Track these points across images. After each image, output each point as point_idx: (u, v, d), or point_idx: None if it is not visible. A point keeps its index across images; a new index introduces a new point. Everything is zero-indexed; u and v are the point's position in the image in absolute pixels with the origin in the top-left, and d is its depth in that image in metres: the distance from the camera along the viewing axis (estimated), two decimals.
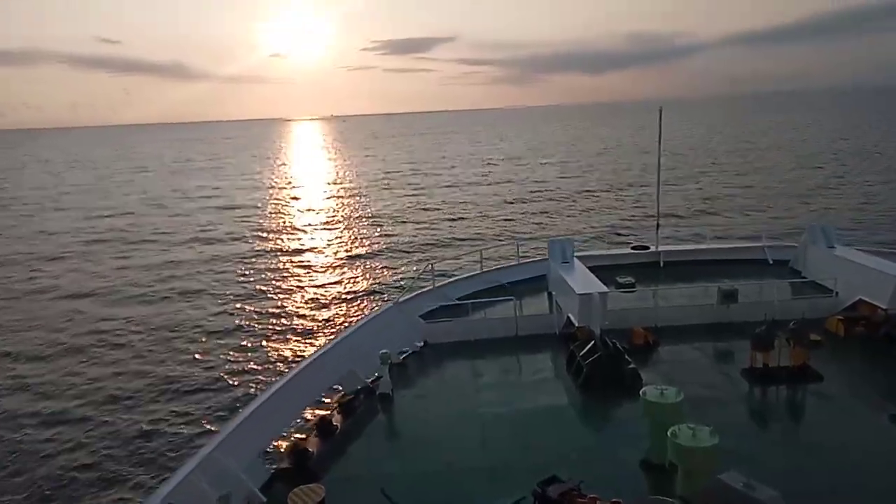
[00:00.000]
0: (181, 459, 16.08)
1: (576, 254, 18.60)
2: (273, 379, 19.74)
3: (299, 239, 49.87)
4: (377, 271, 38.78)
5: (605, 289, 15.46)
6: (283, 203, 70.72)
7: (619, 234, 42.58)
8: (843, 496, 9.65)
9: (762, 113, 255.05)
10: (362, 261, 41.74)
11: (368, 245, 46.26)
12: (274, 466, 11.24)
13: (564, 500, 8.86)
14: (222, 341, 27.65)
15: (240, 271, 39.93)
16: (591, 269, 17.29)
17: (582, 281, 16.11)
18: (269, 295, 34.37)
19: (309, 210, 65.13)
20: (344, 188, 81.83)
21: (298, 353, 25.58)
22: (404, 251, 43.57)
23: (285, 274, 39.09)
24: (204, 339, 27.98)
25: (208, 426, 19.87)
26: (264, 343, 27.09)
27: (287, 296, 34.24)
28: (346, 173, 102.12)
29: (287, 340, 27.45)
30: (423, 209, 60.40)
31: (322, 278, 38.00)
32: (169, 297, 34.86)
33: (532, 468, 9.98)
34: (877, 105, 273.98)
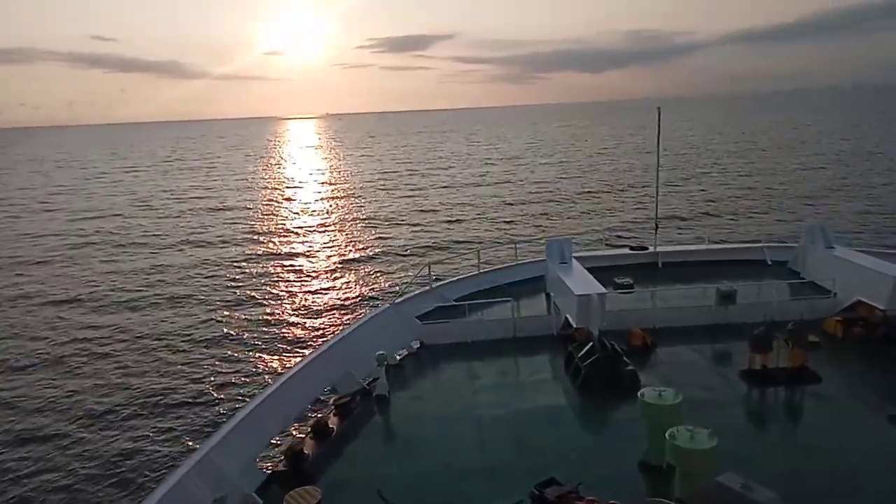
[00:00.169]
0: (177, 462, 16.02)
1: (574, 254, 18.56)
2: (269, 381, 19.61)
3: (293, 241, 49.42)
4: (373, 273, 38.52)
5: (603, 290, 15.43)
6: (277, 204, 70.14)
7: (619, 237, 42.46)
8: (842, 498, 9.63)
9: (762, 112, 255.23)
10: (358, 262, 41.47)
11: (364, 246, 45.99)
12: (270, 469, 11.19)
13: (562, 502, 8.82)
14: (214, 346, 27.22)
15: (231, 274, 39.36)
16: (590, 269, 17.25)
17: (580, 282, 16.07)
18: (264, 297, 34.04)
19: (303, 211, 64.63)
20: (338, 188, 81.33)
21: (294, 355, 25.38)
22: (401, 252, 43.35)
23: (280, 276, 38.73)
24: (194, 345, 27.46)
25: (197, 441, 19.06)
26: (259, 346, 26.80)
27: (282, 298, 33.96)
28: (341, 173, 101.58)
29: (283, 342, 27.24)
30: (420, 210, 60.16)
31: (318, 280, 37.81)
32: (157, 303, 33.66)
33: (530, 470, 9.95)
34: (877, 104, 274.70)
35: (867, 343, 15.10)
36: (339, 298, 33.78)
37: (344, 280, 37.40)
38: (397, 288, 31.23)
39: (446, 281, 20.29)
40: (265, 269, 40.56)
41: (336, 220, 57.79)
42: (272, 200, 73.18)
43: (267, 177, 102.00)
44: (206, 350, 26.89)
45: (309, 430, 12.27)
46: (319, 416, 12.99)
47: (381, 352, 13.74)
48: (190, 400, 22.27)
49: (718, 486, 8.24)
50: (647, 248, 22.31)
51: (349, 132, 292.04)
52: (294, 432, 14.83)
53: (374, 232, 50.88)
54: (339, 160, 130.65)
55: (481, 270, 20.77)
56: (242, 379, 23.74)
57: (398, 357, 15.39)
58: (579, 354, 14.03)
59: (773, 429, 12.11)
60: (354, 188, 79.82)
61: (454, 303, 18.16)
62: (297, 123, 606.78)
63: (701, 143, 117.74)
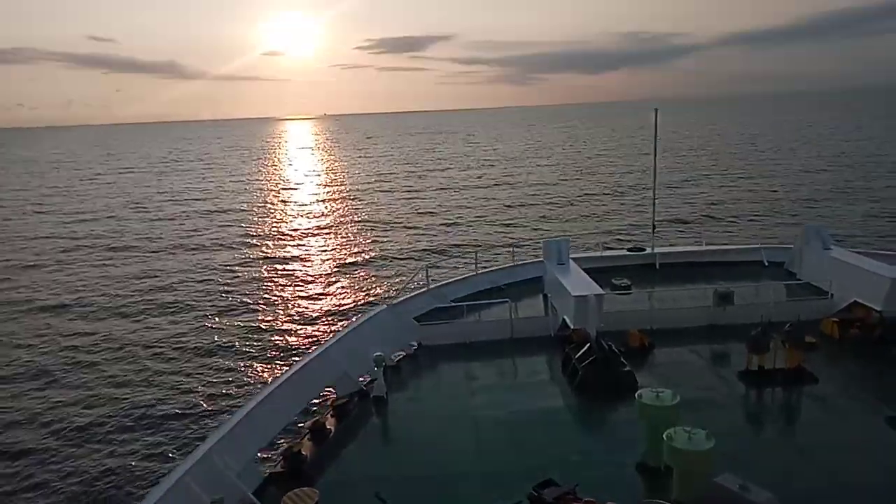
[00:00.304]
0: (175, 463, 15.95)
1: (571, 255, 18.56)
2: (266, 383, 19.54)
3: (289, 243, 49.10)
4: (370, 274, 38.44)
5: (600, 291, 15.41)
6: (273, 206, 69.79)
7: (618, 241, 42.40)
8: (839, 498, 9.64)
9: (762, 113, 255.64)
10: (355, 263, 41.38)
11: (361, 248, 45.92)
12: (268, 470, 11.18)
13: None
14: (209, 348, 27.06)
15: (226, 277, 39.05)
16: (587, 270, 17.24)
17: (577, 283, 16.06)
18: (260, 300, 33.87)
19: (299, 213, 64.28)
20: (335, 190, 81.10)
21: (291, 356, 25.31)
22: (398, 254, 43.28)
23: (276, 278, 38.52)
24: (191, 348, 27.20)
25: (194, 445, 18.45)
26: (256, 349, 26.69)
27: (279, 300, 33.79)
28: (338, 174, 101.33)
29: (280, 344, 27.17)
30: (418, 212, 60.08)
31: (315, 281, 37.71)
32: (148, 308, 32.97)
33: (528, 471, 9.95)
34: (871, 107, 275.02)
35: (864, 344, 15.13)
36: (336, 300, 33.66)
37: (341, 281, 37.25)
38: (394, 286, 31.17)
39: (444, 282, 20.28)
40: (261, 271, 40.25)
41: (333, 222, 57.58)
42: (268, 202, 72.83)
43: (263, 178, 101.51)
44: (201, 353, 26.67)
45: (307, 431, 12.26)
46: (317, 417, 12.98)
47: (378, 353, 13.72)
48: (187, 403, 22.01)
49: (716, 487, 8.27)
50: (644, 250, 22.33)
51: (347, 133, 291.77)
52: (292, 434, 14.82)
53: (371, 234, 50.74)
54: (337, 161, 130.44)
55: (479, 271, 20.76)
56: (239, 382, 23.58)
57: (395, 358, 15.38)
58: (577, 355, 14.04)
59: (770, 429, 12.13)
60: (351, 190, 79.60)
61: (452, 304, 18.15)
62: (295, 124, 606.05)
63: (698, 145, 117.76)
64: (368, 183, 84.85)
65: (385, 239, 48.44)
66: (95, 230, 56.83)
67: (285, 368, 23.37)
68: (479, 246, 41.39)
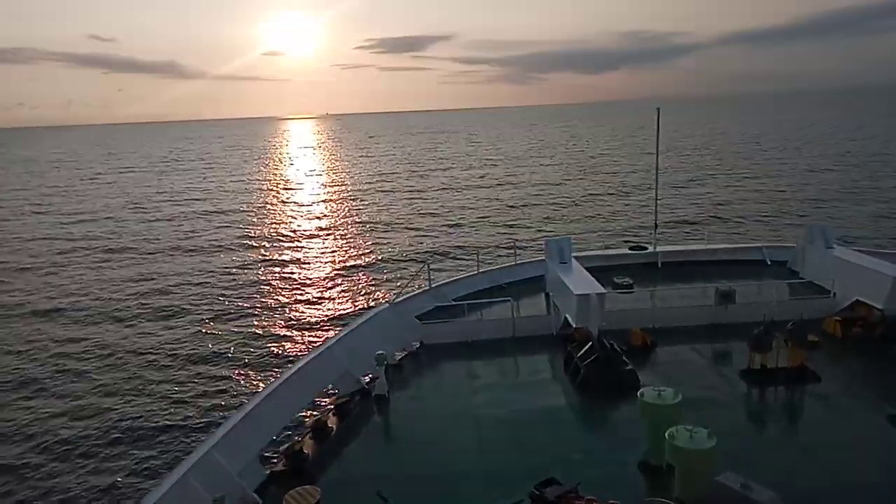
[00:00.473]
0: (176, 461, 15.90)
1: (573, 254, 18.56)
2: (268, 382, 19.50)
3: (290, 243, 48.93)
4: (372, 273, 38.41)
5: (602, 289, 15.41)
6: (274, 206, 69.59)
7: (621, 240, 42.29)
8: (841, 497, 9.63)
9: (763, 112, 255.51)
10: (357, 262, 41.35)
11: (363, 247, 45.88)
12: (269, 468, 11.18)
13: (562, 503, 8.82)
14: (211, 347, 26.98)
15: (228, 276, 38.87)
16: (589, 269, 17.24)
17: (579, 281, 16.06)
18: (261, 299, 33.83)
19: (301, 212, 64.11)
20: (337, 190, 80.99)
21: (293, 355, 25.31)
22: (400, 253, 43.23)
23: (277, 278, 38.39)
24: (190, 348, 27.02)
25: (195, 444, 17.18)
26: (258, 348, 26.62)
27: (281, 299, 33.75)
28: (340, 174, 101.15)
29: (282, 343, 27.15)
30: (419, 210, 60.10)
31: (316, 280, 37.70)
32: (142, 313, 32.06)
33: (529, 470, 9.95)
34: (880, 103, 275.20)
35: (866, 342, 15.12)
36: (338, 299, 33.64)
37: (343, 280, 37.19)
38: (396, 285, 31.14)
39: (446, 280, 20.28)
40: (262, 271, 40.09)
41: (335, 222, 57.48)
42: (269, 202, 72.65)
43: (264, 178, 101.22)
44: (201, 354, 26.46)
45: (308, 429, 12.27)
46: (319, 415, 12.99)
47: (380, 351, 13.71)
48: (187, 402, 21.84)
49: (718, 486, 8.26)
50: (646, 248, 22.33)
51: (349, 132, 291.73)
52: (293, 432, 14.82)
53: (372, 233, 50.67)
54: (339, 161, 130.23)
55: (481, 270, 20.76)
56: (241, 383, 23.49)
57: (397, 357, 15.38)
58: (579, 354, 14.03)
59: (772, 428, 12.11)
60: (353, 189, 79.51)
61: (453, 302, 18.16)
62: (296, 124, 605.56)
63: (702, 144, 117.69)
64: (370, 183, 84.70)
65: (387, 238, 48.34)
66: (93, 231, 56.16)
67: (287, 367, 23.37)
68: (481, 245, 41.38)
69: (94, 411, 21.70)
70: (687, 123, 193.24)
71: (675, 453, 9.05)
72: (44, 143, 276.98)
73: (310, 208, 66.69)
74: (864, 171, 70.65)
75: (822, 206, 52.44)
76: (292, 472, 10.74)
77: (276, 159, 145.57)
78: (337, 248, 45.87)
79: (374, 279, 36.74)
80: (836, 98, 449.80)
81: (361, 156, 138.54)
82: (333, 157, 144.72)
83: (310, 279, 37.62)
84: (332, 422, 12.49)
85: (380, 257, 41.88)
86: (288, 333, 28.15)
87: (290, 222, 57.95)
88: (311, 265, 41.26)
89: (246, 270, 40.04)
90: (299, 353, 24.97)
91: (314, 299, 33.39)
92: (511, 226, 50.06)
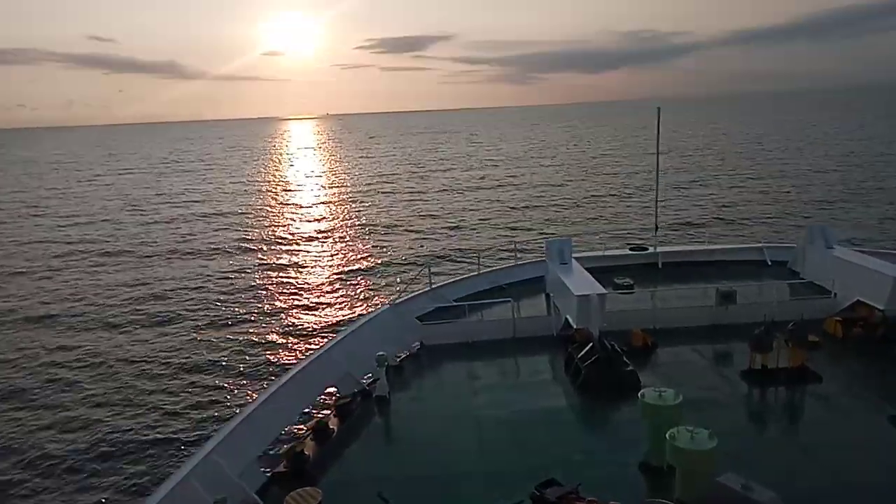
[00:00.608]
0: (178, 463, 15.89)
1: (574, 255, 18.56)
2: (269, 383, 19.48)
3: (291, 244, 48.77)
4: (372, 274, 38.39)
5: (603, 290, 15.41)
6: (274, 206, 69.40)
7: (624, 240, 42.21)
8: (842, 497, 9.63)
9: (763, 112, 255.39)
10: (357, 263, 41.32)
11: (363, 248, 45.86)
12: (270, 470, 11.18)
13: (563, 503, 8.83)
14: (210, 348, 26.88)
15: (227, 278, 38.67)
16: (589, 270, 17.25)
17: (580, 282, 16.06)
18: (261, 300, 33.81)
19: (301, 214, 63.86)
20: (337, 191, 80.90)
21: (294, 358, 25.28)
22: (400, 254, 43.25)
23: (277, 279, 38.35)
24: (190, 348, 26.97)
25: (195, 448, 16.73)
26: (258, 349, 26.57)
27: (281, 300, 33.72)
28: (341, 175, 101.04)
29: (283, 345, 27.13)
30: (419, 211, 60.07)
31: (316, 281, 37.70)
32: (137, 319, 31.31)
33: (530, 471, 9.95)
34: (879, 102, 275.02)
35: (867, 343, 15.11)
36: (338, 300, 33.57)
37: (344, 282, 37.13)
38: (397, 286, 31.13)
39: (446, 281, 20.29)
40: (261, 273, 39.99)
41: (335, 223, 57.40)
42: (270, 203, 72.48)
43: (265, 179, 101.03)
44: (199, 359, 26.32)
45: (309, 431, 12.27)
46: (320, 417, 13.00)
47: (380, 352, 13.71)
48: (181, 413, 21.47)
49: (719, 487, 8.26)
50: (646, 249, 22.33)
51: (349, 133, 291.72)
52: (294, 433, 14.81)
53: (373, 234, 50.61)
54: (339, 162, 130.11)
55: (481, 271, 20.76)
56: (241, 385, 23.41)
57: (398, 358, 15.37)
58: (579, 355, 14.03)
59: (773, 429, 12.11)
60: (354, 191, 79.44)
61: (454, 303, 18.16)
62: (297, 124, 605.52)
63: (704, 145, 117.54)
64: (371, 184, 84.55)
65: (387, 240, 48.30)
66: (90, 234, 55.23)
67: (288, 369, 23.23)
68: (482, 247, 41.34)
69: (82, 423, 20.91)
70: (687, 124, 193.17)
71: (676, 454, 9.05)
72: (44, 144, 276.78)
73: (310, 210, 66.49)
74: (866, 172, 70.34)
75: (825, 207, 52.15)
76: (293, 473, 10.74)
77: (277, 160, 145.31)
78: (337, 250, 45.82)
79: (374, 281, 36.68)
80: (836, 97, 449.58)
81: (362, 157, 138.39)
82: (333, 157, 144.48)
83: (310, 281, 37.59)
84: (332, 423, 12.49)
85: (380, 259, 41.82)
86: (289, 336, 28.10)
87: (290, 224, 57.78)
88: (312, 267, 41.21)
89: (245, 273, 39.96)
90: (300, 354, 24.97)
91: (314, 301, 33.34)
92: (512, 227, 49.99)
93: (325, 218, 60.24)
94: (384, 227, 53.14)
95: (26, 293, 37.19)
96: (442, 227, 51.34)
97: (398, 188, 78.12)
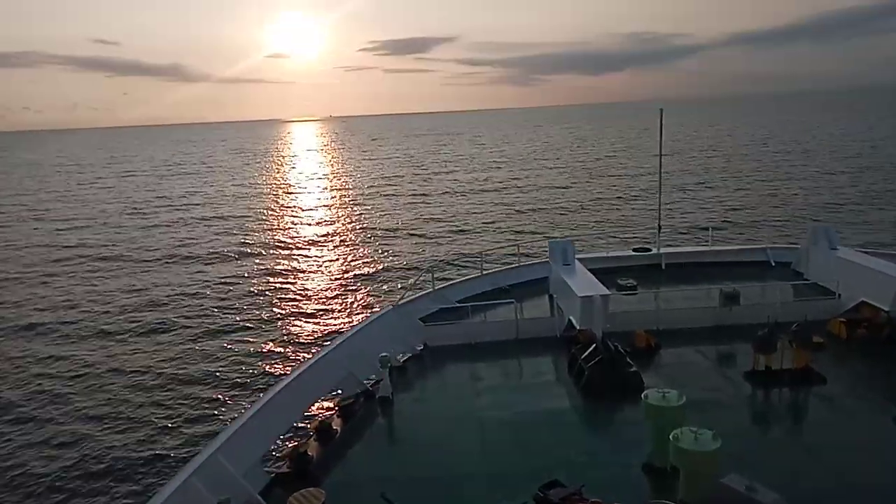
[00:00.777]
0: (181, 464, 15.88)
1: (577, 256, 18.55)
2: (272, 384, 19.43)
3: (292, 247, 48.71)
4: (375, 275, 38.44)
5: (606, 291, 15.39)
6: (277, 208, 69.41)
7: (626, 241, 42.05)
8: (846, 498, 9.60)
9: (766, 114, 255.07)
10: (361, 265, 41.40)
11: (366, 250, 45.92)
12: (273, 471, 11.19)
13: None
14: (211, 348, 26.90)
15: (230, 278, 38.79)
16: (593, 271, 17.23)
17: (583, 283, 16.05)
18: (264, 301, 33.85)
19: (302, 217, 63.71)
20: (340, 193, 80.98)
21: (297, 357, 25.30)
22: (403, 255, 43.31)
23: (279, 280, 38.38)
24: (190, 348, 26.97)
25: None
26: (260, 350, 26.61)
27: (283, 302, 33.73)
28: (344, 177, 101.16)
29: (285, 345, 27.17)
30: (422, 213, 60.14)
31: (320, 283, 37.76)
32: (133, 326, 30.63)
33: (533, 472, 9.94)
34: (882, 103, 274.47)
35: (871, 344, 15.07)
36: (341, 301, 33.63)
37: (346, 284, 37.17)
38: (400, 287, 31.12)
39: (449, 283, 20.30)
40: (264, 275, 39.93)
41: (338, 225, 57.42)
42: (272, 205, 72.48)
43: (267, 181, 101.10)
44: (203, 351, 26.51)
45: (312, 432, 12.26)
46: (323, 418, 12.98)
47: (384, 354, 13.71)
48: (186, 407, 21.63)
49: (723, 488, 8.24)
50: (650, 250, 22.30)
51: (352, 135, 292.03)
52: (297, 434, 14.82)
53: (375, 237, 50.63)
54: (342, 164, 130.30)
55: (484, 272, 20.76)
56: (243, 382, 23.44)
57: (401, 359, 15.37)
58: (583, 356, 14.00)
59: (777, 430, 12.08)
60: (356, 193, 79.50)
61: (457, 304, 18.16)
62: (301, 126, 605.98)
63: (708, 146, 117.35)
64: (373, 186, 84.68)
65: (390, 242, 48.34)
66: (89, 239, 54.45)
67: (292, 366, 22.94)
68: (485, 244, 41.32)
69: (71, 438, 20.06)
70: (691, 125, 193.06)
71: (680, 455, 9.03)
72: (48, 147, 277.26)
73: (312, 213, 66.55)
74: (876, 174, 69.84)
75: (832, 209, 51.87)
76: (296, 474, 10.74)
77: (279, 162, 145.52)
78: (340, 253, 45.84)
79: (377, 283, 36.71)
80: (838, 99, 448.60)
81: (364, 159, 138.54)
82: (336, 160, 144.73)
83: (313, 284, 37.63)
84: (336, 424, 12.49)
85: (383, 261, 41.86)
86: (292, 339, 28.10)
87: (293, 227, 57.82)
88: (315, 270, 41.23)
89: (247, 277, 39.97)
90: (303, 356, 24.98)
91: (318, 304, 33.38)
92: (515, 229, 49.99)
93: (327, 221, 60.27)
94: (387, 229, 53.18)
95: (20, 300, 36.46)
96: (445, 230, 51.38)
97: (401, 190, 78.16)
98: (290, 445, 12.07)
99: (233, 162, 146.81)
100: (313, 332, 28.81)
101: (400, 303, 17.48)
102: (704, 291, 17.79)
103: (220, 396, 22.54)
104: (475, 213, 58.33)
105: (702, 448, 8.85)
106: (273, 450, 12.29)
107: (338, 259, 43.66)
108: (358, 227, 55.07)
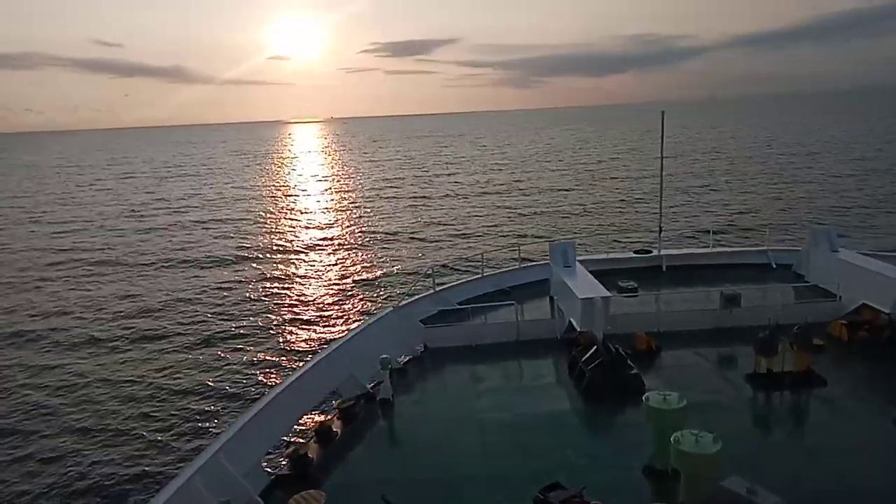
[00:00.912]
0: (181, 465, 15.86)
1: (578, 258, 18.54)
2: (272, 386, 19.32)
3: (292, 249, 48.67)
4: (376, 277, 38.43)
5: (607, 293, 15.38)
6: (277, 210, 69.35)
7: (628, 243, 41.94)
8: (847, 501, 9.59)
9: (767, 115, 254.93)
10: (361, 267, 41.41)
11: (367, 252, 45.93)
12: (274, 472, 11.19)
13: None
14: (213, 347, 26.89)
15: (230, 279, 38.82)
16: (594, 273, 17.22)
17: (584, 285, 16.04)
18: (264, 303, 33.85)
19: (303, 219, 63.65)
20: (341, 194, 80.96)
21: (297, 358, 25.28)
22: (403, 257, 43.30)
23: (280, 281, 38.41)
24: (191, 348, 26.87)
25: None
26: (260, 351, 26.55)
27: (283, 303, 33.76)
28: (345, 179, 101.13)
29: (285, 347, 27.14)
30: (423, 215, 60.12)
31: (320, 284, 37.79)
32: (125, 335, 29.82)
33: (534, 474, 9.93)
34: (882, 104, 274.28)
35: (872, 346, 15.05)
36: (341, 303, 33.61)
37: (346, 284, 37.19)
38: (401, 289, 31.08)
39: (449, 284, 20.28)
40: (264, 278, 39.81)
41: (338, 228, 57.36)
42: (272, 207, 72.31)
43: (268, 183, 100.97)
44: (204, 351, 26.42)
45: (313, 433, 12.26)
46: (323, 420, 12.98)
47: (384, 355, 13.70)
48: (187, 407, 21.54)
49: (723, 490, 8.22)
50: (650, 252, 22.29)
51: (353, 136, 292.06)
52: (298, 436, 14.80)
53: (376, 239, 50.58)
54: (342, 166, 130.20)
55: (485, 273, 20.75)
56: (243, 383, 23.39)
57: (402, 361, 15.37)
58: (583, 358, 13.99)
59: (778, 432, 12.06)
60: (357, 195, 79.45)
61: (457, 306, 18.17)
62: (302, 127, 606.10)
63: (711, 148, 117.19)
64: (374, 188, 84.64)
65: (391, 244, 48.32)
66: (85, 242, 53.67)
67: (291, 372, 23.00)
68: (486, 250, 41.16)
69: (59, 453, 19.41)
70: (694, 127, 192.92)
71: (681, 458, 9.01)
72: (49, 149, 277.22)
73: (313, 215, 66.50)
74: (884, 178, 69.39)
75: (836, 212, 51.65)
76: (297, 476, 10.74)
77: (280, 164, 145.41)
78: (341, 255, 45.84)
79: (378, 285, 36.68)
80: (840, 100, 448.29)
81: (365, 160, 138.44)
82: (337, 161, 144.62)
83: (314, 286, 37.62)
84: (336, 426, 12.48)
85: (384, 263, 41.85)
86: (292, 341, 28.10)
87: (293, 229, 57.76)
88: (315, 272, 41.22)
89: (247, 280, 39.88)
90: (303, 357, 24.94)
91: (318, 306, 33.35)
92: (516, 232, 49.94)
93: (328, 223, 60.25)
94: (388, 231, 53.15)
95: (11, 306, 35.49)
96: (446, 232, 51.35)
97: (402, 192, 78.13)
98: (290, 447, 12.06)
99: (233, 164, 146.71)
100: (314, 336, 28.72)
101: (400, 304, 17.48)
102: (705, 294, 17.79)
103: (214, 407, 21.85)
104: (476, 215, 58.30)
105: (703, 451, 8.84)
106: (273, 451, 12.29)
107: (338, 262, 43.62)
108: (359, 230, 55.01)
